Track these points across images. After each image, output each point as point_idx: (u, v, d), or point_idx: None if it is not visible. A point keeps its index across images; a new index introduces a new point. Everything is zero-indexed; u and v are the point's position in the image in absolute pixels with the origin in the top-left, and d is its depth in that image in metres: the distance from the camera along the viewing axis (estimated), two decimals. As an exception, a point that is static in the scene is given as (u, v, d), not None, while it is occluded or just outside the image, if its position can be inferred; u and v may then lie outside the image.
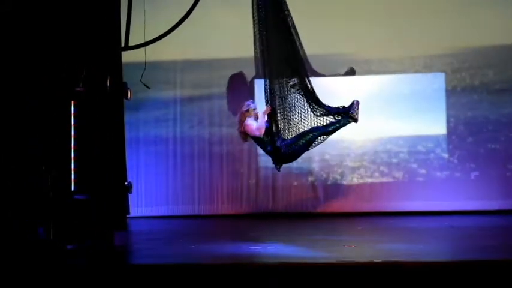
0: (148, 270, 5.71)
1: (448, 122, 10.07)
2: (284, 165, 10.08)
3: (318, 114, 7.10)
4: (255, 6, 6.94)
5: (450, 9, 9.94)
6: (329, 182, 10.22)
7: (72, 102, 6.84)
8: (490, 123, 10.00)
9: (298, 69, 7.13)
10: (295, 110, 7.13)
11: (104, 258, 6.34)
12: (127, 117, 8.84)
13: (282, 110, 7.11)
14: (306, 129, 7.12)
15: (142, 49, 8.35)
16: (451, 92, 10.09)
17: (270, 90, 7.01)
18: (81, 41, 6.96)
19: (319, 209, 10.10)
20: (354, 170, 10.21)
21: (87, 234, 6.70)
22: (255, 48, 7.00)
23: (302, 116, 7.14)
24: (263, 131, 7.13)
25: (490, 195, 9.86)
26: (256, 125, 7.16)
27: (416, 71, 10.12)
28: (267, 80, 7.01)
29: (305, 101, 7.11)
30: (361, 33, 9.94)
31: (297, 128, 7.15)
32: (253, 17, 6.95)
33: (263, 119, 7.11)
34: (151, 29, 8.32)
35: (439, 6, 9.95)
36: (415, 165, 10.13)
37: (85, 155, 6.87)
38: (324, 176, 10.21)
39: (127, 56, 8.33)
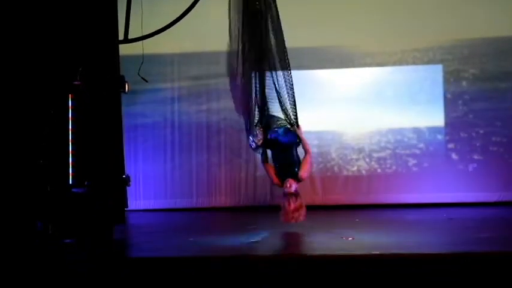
0: (147, 264, 5.71)
1: (445, 113, 10.06)
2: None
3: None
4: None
5: (448, 0, 9.93)
6: (327, 175, 10.21)
7: (70, 95, 6.82)
8: (488, 115, 9.97)
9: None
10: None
11: (103, 251, 6.33)
12: (124, 110, 8.81)
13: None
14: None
15: (139, 42, 8.33)
16: (448, 84, 10.07)
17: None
18: (78, 34, 6.94)
19: (317, 202, 10.08)
20: (351, 162, 10.20)
21: (86, 227, 6.69)
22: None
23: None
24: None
25: (489, 187, 9.85)
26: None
27: (414, 63, 10.10)
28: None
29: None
30: (358, 26, 9.91)
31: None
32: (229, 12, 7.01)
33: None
34: (148, 21, 8.30)
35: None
36: (413, 157, 10.12)
37: (83, 148, 6.86)
38: (322, 168, 10.21)
39: (124, 49, 8.30)
